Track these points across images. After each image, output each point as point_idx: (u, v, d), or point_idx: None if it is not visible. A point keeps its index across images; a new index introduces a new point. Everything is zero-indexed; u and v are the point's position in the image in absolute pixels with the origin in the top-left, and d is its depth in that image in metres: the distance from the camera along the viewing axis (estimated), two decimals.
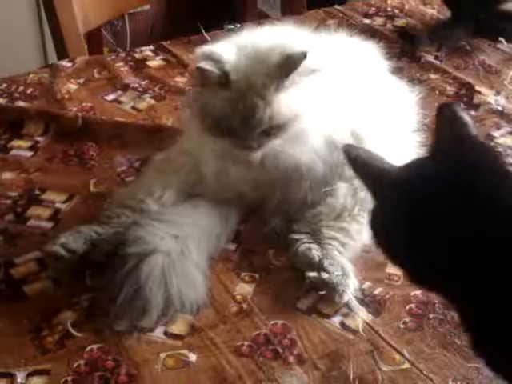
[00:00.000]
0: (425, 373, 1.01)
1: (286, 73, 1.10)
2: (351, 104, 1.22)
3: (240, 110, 1.11)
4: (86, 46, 1.77)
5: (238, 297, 1.12)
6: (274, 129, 1.12)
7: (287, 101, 1.12)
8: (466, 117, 0.84)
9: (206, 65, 1.10)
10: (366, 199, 1.19)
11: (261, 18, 2.97)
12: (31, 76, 1.66)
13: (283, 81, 1.10)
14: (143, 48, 1.77)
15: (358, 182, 1.20)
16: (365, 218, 1.19)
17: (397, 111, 1.30)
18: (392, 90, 1.33)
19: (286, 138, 1.15)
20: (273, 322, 1.08)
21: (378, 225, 0.83)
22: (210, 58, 1.12)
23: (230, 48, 1.15)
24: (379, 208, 0.82)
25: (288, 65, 1.10)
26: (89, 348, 1.03)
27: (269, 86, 1.10)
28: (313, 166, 1.19)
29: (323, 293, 1.11)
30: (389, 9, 1.98)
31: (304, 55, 1.10)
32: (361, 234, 1.18)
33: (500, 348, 0.73)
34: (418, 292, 1.12)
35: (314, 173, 1.19)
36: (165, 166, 1.26)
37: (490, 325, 0.74)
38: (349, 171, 1.21)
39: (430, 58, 1.73)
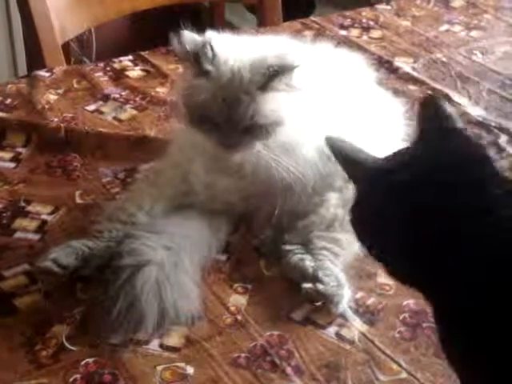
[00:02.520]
0: (422, 382, 1.01)
1: (275, 74, 1.10)
2: (342, 115, 1.22)
3: (223, 101, 1.10)
4: (63, 57, 1.75)
5: (232, 308, 1.11)
6: (256, 129, 1.11)
7: (272, 103, 1.12)
8: (450, 110, 0.84)
9: (198, 49, 1.11)
10: None
11: (230, 29, 2.99)
12: (9, 86, 1.63)
13: (271, 81, 1.10)
14: (122, 58, 1.76)
15: (348, 192, 1.22)
16: None
17: (386, 122, 1.31)
18: (380, 101, 1.34)
19: (277, 148, 1.15)
20: (268, 332, 1.07)
21: (360, 216, 0.82)
22: (202, 45, 1.11)
23: (226, 41, 1.16)
24: (361, 199, 0.82)
25: (278, 67, 1.10)
26: (84, 362, 1.01)
27: (255, 83, 1.10)
28: (303, 177, 1.19)
29: (318, 304, 1.11)
30: (364, 20, 1.99)
31: (296, 62, 1.10)
32: (352, 244, 1.18)
33: (463, 346, 0.73)
34: (411, 301, 1.13)
35: (305, 183, 1.20)
36: (154, 179, 1.26)
37: (458, 321, 0.73)
38: (339, 181, 1.22)
39: (408, 68, 1.75)
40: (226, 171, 1.20)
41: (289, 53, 1.12)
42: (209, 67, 1.11)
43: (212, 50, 1.12)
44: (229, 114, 1.10)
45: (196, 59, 1.11)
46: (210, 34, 1.16)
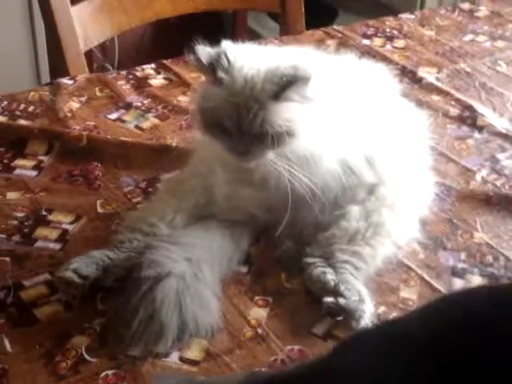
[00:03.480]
0: None
1: (288, 84, 1.09)
2: (365, 127, 1.21)
3: (233, 108, 1.10)
4: (86, 64, 1.75)
5: (253, 321, 1.10)
6: (267, 137, 1.10)
7: (284, 113, 1.10)
8: None
9: (212, 59, 1.11)
10: (379, 223, 1.19)
11: (253, 37, 2.98)
12: (32, 94, 1.64)
13: (284, 91, 1.09)
14: (144, 66, 1.76)
15: (370, 205, 1.21)
16: (378, 242, 1.19)
17: (409, 134, 1.30)
18: (404, 113, 1.32)
19: (294, 159, 1.14)
20: (289, 347, 1.06)
21: None
22: (217, 55, 1.12)
23: (244, 51, 1.16)
24: None
25: (292, 77, 1.09)
26: (104, 374, 1.01)
27: (267, 91, 1.10)
28: (325, 189, 1.18)
29: (340, 318, 1.10)
30: (387, 30, 1.98)
31: (311, 74, 1.09)
32: (374, 257, 1.18)
33: None
34: None
35: (327, 195, 1.19)
36: (175, 189, 1.25)
37: None
38: (361, 193, 1.21)
39: (432, 79, 1.73)
40: (247, 182, 1.19)
41: (304, 63, 1.11)
42: (223, 75, 1.11)
43: (227, 58, 1.12)
44: (238, 121, 1.10)
45: (211, 68, 1.12)
46: (226, 44, 1.16)
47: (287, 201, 1.16)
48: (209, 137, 1.16)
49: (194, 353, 1.05)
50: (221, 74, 1.11)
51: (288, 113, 1.11)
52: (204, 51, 1.13)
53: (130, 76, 1.72)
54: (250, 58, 1.14)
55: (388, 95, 1.31)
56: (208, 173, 1.23)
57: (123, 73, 1.74)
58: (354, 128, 1.21)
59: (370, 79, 1.30)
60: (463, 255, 1.23)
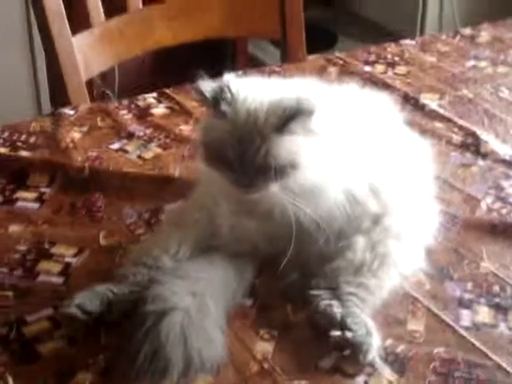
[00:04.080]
0: None
1: (292, 117, 1.09)
2: (369, 157, 1.21)
3: (236, 141, 1.10)
4: (87, 93, 1.75)
5: (258, 356, 1.09)
6: (270, 170, 1.10)
7: (288, 146, 1.10)
8: None
9: (215, 93, 1.12)
10: (384, 253, 1.18)
11: (254, 63, 2.99)
12: (33, 124, 1.63)
13: (287, 124, 1.09)
14: (146, 95, 1.76)
15: (376, 236, 1.20)
16: (384, 273, 1.18)
17: (413, 163, 1.29)
18: (407, 142, 1.32)
19: (298, 191, 1.13)
20: (296, 382, 1.05)
21: None
22: (220, 89, 1.12)
23: (247, 83, 1.16)
24: None
25: (295, 110, 1.09)
26: None
27: (270, 124, 1.10)
28: (330, 220, 1.17)
29: (346, 352, 1.09)
30: (389, 56, 1.98)
31: (315, 107, 1.09)
32: (380, 289, 1.16)
33: None
34: (441, 349, 1.10)
35: (332, 227, 1.18)
36: (179, 221, 1.24)
37: None
38: (367, 223, 1.20)
39: (434, 105, 1.73)
40: (251, 213, 1.18)
41: (308, 96, 1.11)
42: (226, 108, 1.11)
43: (230, 92, 1.12)
44: (241, 153, 1.10)
45: (214, 102, 1.12)
46: (228, 77, 1.16)
47: (292, 232, 1.16)
48: (212, 169, 1.16)
49: None
50: (224, 108, 1.11)
51: (291, 145, 1.11)
52: (207, 85, 1.13)
53: (132, 105, 1.72)
54: (252, 91, 1.14)
55: (391, 125, 1.31)
56: (212, 204, 1.22)
57: (125, 102, 1.74)
58: (358, 158, 1.20)
59: (373, 109, 1.30)
60: (470, 285, 1.22)
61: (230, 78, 1.15)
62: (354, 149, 1.20)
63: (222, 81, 1.14)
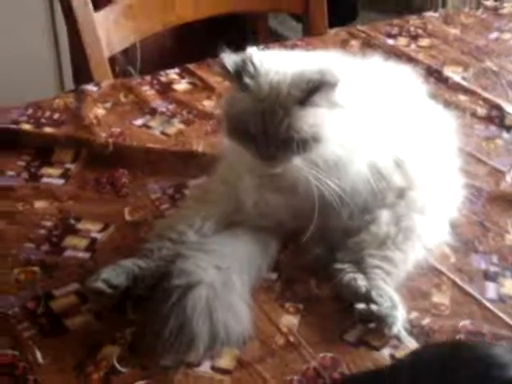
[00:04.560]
0: None
1: (315, 90, 1.09)
2: (393, 130, 1.20)
3: (259, 114, 1.10)
4: (110, 70, 1.75)
5: (284, 329, 1.10)
6: (292, 143, 1.09)
7: (311, 118, 1.10)
8: None
9: (238, 66, 1.11)
10: (409, 227, 1.18)
11: (275, 38, 2.97)
12: (57, 101, 1.64)
13: (310, 96, 1.09)
14: (168, 71, 1.76)
15: (400, 209, 1.20)
16: (408, 246, 1.17)
17: (437, 136, 1.29)
18: (432, 115, 1.31)
19: (322, 164, 1.13)
20: (321, 354, 1.05)
21: None
22: (243, 62, 1.12)
23: (270, 56, 1.15)
24: None
25: (318, 83, 1.09)
26: None
27: (293, 97, 1.09)
28: (354, 194, 1.17)
29: (372, 325, 1.09)
30: (411, 29, 1.96)
31: (338, 79, 1.08)
32: (405, 262, 1.16)
33: None
34: (467, 322, 1.10)
35: (356, 200, 1.18)
36: (204, 196, 1.25)
37: None
38: (391, 197, 1.20)
39: (458, 78, 1.72)
40: (275, 188, 1.18)
41: (331, 68, 1.10)
42: (249, 81, 1.11)
43: (252, 65, 1.12)
44: (264, 126, 1.10)
45: (237, 75, 1.11)
46: (252, 50, 1.15)
47: (315, 207, 1.16)
48: (235, 143, 1.16)
49: (225, 362, 1.05)
50: (247, 81, 1.10)
51: (314, 118, 1.10)
52: (229, 58, 1.12)
53: (155, 81, 1.72)
54: (275, 64, 1.13)
55: (415, 97, 1.30)
56: (236, 179, 1.22)
57: (147, 78, 1.74)
58: (382, 131, 1.20)
59: (397, 82, 1.29)
60: (495, 258, 1.22)
61: (253, 51, 1.15)
62: (378, 121, 1.19)
63: (244, 54, 1.14)
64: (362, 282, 1.12)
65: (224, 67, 1.12)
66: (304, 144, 1.10)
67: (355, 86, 1.17)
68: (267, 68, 1.12)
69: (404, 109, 1.25)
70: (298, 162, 1.12)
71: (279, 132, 1.09)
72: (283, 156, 1.11)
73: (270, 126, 1.09)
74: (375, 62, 1.33)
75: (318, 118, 1.10)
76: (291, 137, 1.09)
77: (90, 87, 1.68)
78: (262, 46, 1.75)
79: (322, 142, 1.11)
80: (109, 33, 1.75)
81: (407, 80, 1.32)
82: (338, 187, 1.14)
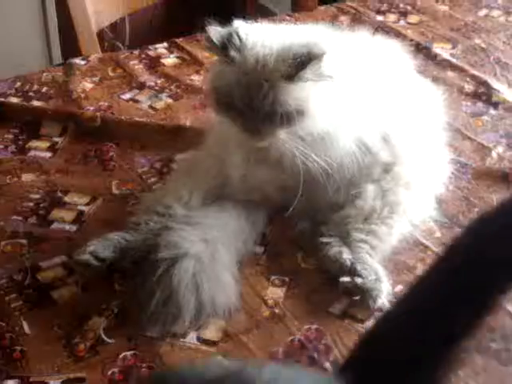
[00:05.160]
0: (462, 377, 1.00)
1: (302, 63, 1.08)
2: (380, 105, 1.20)
3: (244, 87, 1.10)
4: (98, 44, 1.74)
5: (270, 301, 1.11)
6: (277, 116, 1.09)
7: (297, 92, 1.09)
8: None
9: (224, 39, 1.11)
10: (394, 202, 1.19)
11: (264, 13, 2.96)
12: (45, 74, 1.63)
13: (297, 70, 1.08)
14: (157, 45, 1.75)
15: (386, 184, 1.20)
16: (394, 220, 1.18)
17: (425, 111, 1.29)
18: (419, 90, 1.31)
19: (308, 139, 1.13)
20: (306, 326, 1.07)
21: None
22: (229, 35, 1.11)
23: (256, 29, 1.15)
24: None
25: (305, 56, 1.08)
26: (122, 355, 1.02)
27: (278, 71, 1.09)
28: (341, 169, 1.18)
29: (356, 297, 1.10)
30: (401, 5, 1.96)
31: (324, 51, 1.08)
32: (390, 236, 1.17)
33: None
34: None
35: (342, 175, 1.18)
36: (191, 170, 1.25)
37: None
38: (377, 172, 1.21)
39: (447, 55, 1.72)
40: (262, 162, 1.19)
41: (317, 41, 1.10)
42: (234, 54, 1.11)
43: (239, 38, 1.11)
44: (249, 99, 1.09)
45: (223, 48, 1.11)
46: (237, 23, 1.15)
47: (302, 181, 1.16)
48: (221, 116, 1.16)
49: (211, 333, 1.06)
50: (233, 53, 1.10)
51: (300, 92, 1.10)
52: (215, 31, 1.12)
53: (143, 55, 1.72)
54: (262, 37, 1.12)
55: (403, 72, 1.30)
56: (223, 153, 1.23)
57: (136, 52, 1.73)
58: (370, 106, 1.20)
59: (385, 56, 1.29)
60: None
61: (240, 24, 1.14)
62: (366, 96, 1.19)
63: (231, 27, 1.13)
64: (347, 256, 1.13)
65: (210, 40, 1.11)
66: (289, 118, 1.10)
67: (342, 60, 1.17)
68: (253, 41, 1.11)
69: (392, 83, 1.25)
70: (283, 135, 1.12)
71: (264, 105, 1.09)
72: (268, 129, 1.11)
73: (255, 99, 1.09)
74: (363, 35, 1.33)
75: (303, 92, 1.10)
76: (276, 110, 1.09)
77: (78, 61, 1.68)
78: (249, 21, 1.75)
79: (307, 115, 1.11)
80: (97, 7, 1.74)
81: (395, 54, 1.32)
82: (324, 162, 1.14)
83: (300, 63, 1.08)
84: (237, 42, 1.11)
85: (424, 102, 1.30)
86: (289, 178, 1.18)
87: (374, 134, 1.19)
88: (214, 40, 1.11)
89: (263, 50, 1.10)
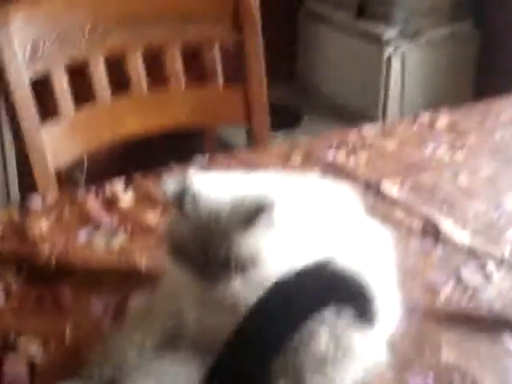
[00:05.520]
0: None
1: (254, 215, 1.14)
2: (329, 250, 1.24)
3: (199, 238, 1.14)
4: (55, 183, 1.77)
5: None
6: (232, 265, 1.14)
7: (249, 242, 1.15)
8: None
9: (178, 194, 1.16)
10: (348, 346, 1.20)
11: (221, 145, 3.05)
12: (0, 215, 1.65)
13: (249, 221, 1.14)
14: (114, 183, 1.78)
15: (340, 327, 1.22)
16: (347, 365, 1.19)
17: (374, 253, 1.32)
18: (368, 233, 1.35)
19: (259, 284, 1.16)
20: None
21: None
22: (183, 188, 1.16)
23: (210, 180, 1.21)
24: None
25: (257, 207, 1.14)
26: None
27: (232, 224, 1.14)
28: None
29: None
30: (350, 143, 2.02)
31: (273, 205, 1.14)
32: (343, 381, 1.18)
33: None
34: None
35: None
36: (145, 314, 1.26)
37: None
38: (331, 315, 1.22)
39: (394, 192, 1.78)
40: (216, 307, 1.21)
41: (268, 193, 1.16)
42: (189, 208, 1.16)
43: (192, 192, 1.17)
44: (204, 250, 1.14)
45: (178, 203, 1.16)
46: (192, 175, 1.20)
47: None
48: (176, 264, 1.19)
49: None
50: (187, 208, 1.15)
51: (252, 241, 1.15)
52: (170, 185, 1.17)
53: (100, 192, 1.74)
54: (215, 189, 1.18)
55: (351, 215, 1.35)
56: (178, 297, 1.24)
57: (92, 190, 1.75)
58: (319, 249, 1.23)
59: (333, 201, 1.34)
60: (431, 375, 1.24)
61: (193, 177, 1.19)
62: (315, 240, 1.24)
63: (185, 180, 1.18)
64: None
65: (165, 194, 1.16)
66: (243, 266, 1.15)
67: (292, 208, 1.22)
68: (206, 194, 1.16)
69: (340, 226, 1.30)
70: (237, 282, 1.15)
71: (218, 256, 1.13)
72: (222, 278, 1.15)
73: (210, 250, 1.13)
74: (312, 180, 1.39)
75: (256, 242, 1.15)
76: (230, 259, 1.14)
77: (35, 200, 1.69)
78: (206, 159, 1.80)
79: (260, 263, 1.16)
80: (55, 147, 1.78)
81: (344, 198, 1.37)
82: None
83: (252, 214, 1.13)
84: (190, 197, 1.15)
85: (373, 243, 1.34)
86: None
87: None
88: (170, 194, 1.15)
89: (216, 203, 1.15)
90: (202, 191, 1.17)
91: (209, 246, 1.14)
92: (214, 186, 1.19)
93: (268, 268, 1.17)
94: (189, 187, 1.17)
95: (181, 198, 1.16)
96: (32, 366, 1.23)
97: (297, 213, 1.24)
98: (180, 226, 1.17)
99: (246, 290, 1.16)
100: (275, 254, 1.18)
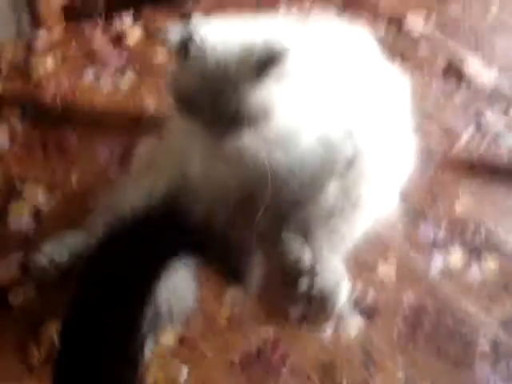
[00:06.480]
0: (418, 382, 1.00)
1: (264, 65, 1.05)
2: (343, 101, 1.17)
3: (207, 89, 1.06)
4: (63, 16, 1.68)
5: (228, 304, 1.09)
6: (242, 118, 1.06)
7: (261, 94, 1.06)
8: None
9: (183, 39, 1.07)
10: (357, 197, 1.17)
11: None
12: (5, 53, 1.58)
13: (260, 72, 1.05)
14: (123, 17, 1.69)
15: (348, 180, 1.18)
16: (356, 217, 1.16)
17: (390, 101, 1.25)
18: (385, 79, 1.27)
19: (271, 137, 1.10)
20: (264, 332, 1.06)
21: None
22: (189, 35, 1.07)
23: (217, 27, 1.10)
24: None
25: (267, 57, 1.04)
26: None
27: (241, 73, 1.05)
28: (303, 166, 1.15)
29: (316, 298, 1.09)
30: None
31: (285, 53, 1.04)
32: (352, 234, 1.16)
33: None
34: (411, 296, 1.10)
35: (305, 173, 1.15)
36: (150, 165, 1.22)
37: None
38: (340, 168, 1.18)
39: (419, 27, 1.67)
40: (223, 158, 1.16)
41: (280, 39, 1.05)
42: (195, 56, 1.06)
43: (198, 39, 1.07)
44: (213, 102, 1.06)
45: (183, 49, 1.07)
46: (198, 22, 1.10)
47: (264, 177, 1.13)
48: (183, 115, 1.12)
49: (168, 339, 1.05)
50: (193, 56, 1.06)
51: (264, 93, 1.06)
52: (175, 31, 1.07)
53: (107, 27, 1.66)
54: (222, 36, 1.08)
55: (367, 62, 1.26)
56: (182, 148, 1.19)
57: (100, 24, 1.67)
58: (333, 101, 1.16)
59: (348, 47, 1.25)
60: (444, 226, 1.21)
61: (199, 23, 1.10)
62: (329, 92, 1.15)
63: (190, 26, 1.09)
64: (307, 255, 1.11)
65: (170, 42, 1.07)
66: (253, 119, 1.07)
67: (305, 56, 1.13)
68: (213, 42, 1.07)
69: (355, 76, 1.21)
70: (247, 135, 1.09)
71: (228, 108, 1.05)
72: (232, 131, 1.08)
73: (219, 102, 1.05)
74: (327, 23, 1.28)
75: (267, 93, 1.07)
76: (240, 112, 1.06)
77: (41, 34, 1.62)
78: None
79: (271, 115, 1.08)
80: None
81: (359, 43, 1.27)
82: (287, 159, 1.12)
83: (262, 64, 1.04)
84: (197, 42, 1.06)
85: (389, 91, 1.27)
86: (250, 174, 1.15)
87: (337, 130, 1.16)
88: (174, 41, 1.07)
89: (224, 52, 1.06)
90: (208, 39, 1.07)
91: (217, 99, 1.05)
92: (220, 34, 1.09)
93: (279, 121, 1.10)
94: (194, 34, 1.07)
95: (185, 47, 1.06)
96: (37, 214, 1.22)
97: (310, 61, 1.14)
98: (186, 76, 1.08)
99: (256, 145, 1.10)
100: (288, 107, 1.09)
